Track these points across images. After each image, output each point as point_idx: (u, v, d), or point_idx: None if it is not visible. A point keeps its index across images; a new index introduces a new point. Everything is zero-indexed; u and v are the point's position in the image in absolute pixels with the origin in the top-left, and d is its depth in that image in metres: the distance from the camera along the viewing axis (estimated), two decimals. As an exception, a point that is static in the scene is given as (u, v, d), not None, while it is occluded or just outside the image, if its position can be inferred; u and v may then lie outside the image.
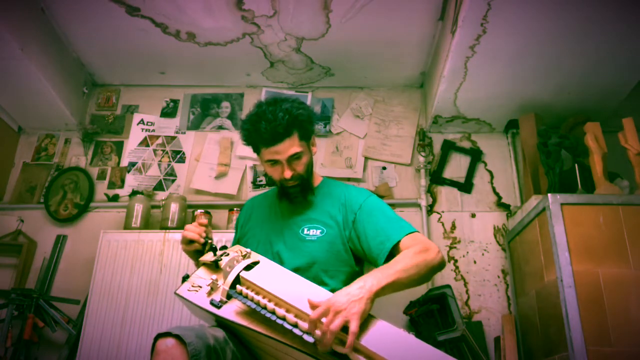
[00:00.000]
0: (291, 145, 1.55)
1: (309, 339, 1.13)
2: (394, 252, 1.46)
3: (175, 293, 1.44)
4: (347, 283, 1.55)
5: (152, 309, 2.17)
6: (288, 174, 1.58)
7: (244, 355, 1.35)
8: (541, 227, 2.00)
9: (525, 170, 2.42)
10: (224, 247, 1.56)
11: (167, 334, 1.20)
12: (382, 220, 1.54)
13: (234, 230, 1.88)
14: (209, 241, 1.56)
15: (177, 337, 1.19)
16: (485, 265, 2.42)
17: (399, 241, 1.46)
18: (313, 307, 1.16)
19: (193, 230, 1.56)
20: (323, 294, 1.28)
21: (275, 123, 1.51)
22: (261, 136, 1.54)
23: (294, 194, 1.65)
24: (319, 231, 1.59)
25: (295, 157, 1.58)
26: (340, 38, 2.39)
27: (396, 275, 1.27)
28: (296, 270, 1.49)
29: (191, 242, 1.57)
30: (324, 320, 1.12)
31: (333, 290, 1.54)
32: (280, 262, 1.55)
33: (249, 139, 1.62)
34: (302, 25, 2.33)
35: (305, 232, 1.60)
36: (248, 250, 1.51)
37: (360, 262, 1.64)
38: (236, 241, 1.80)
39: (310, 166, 1.66)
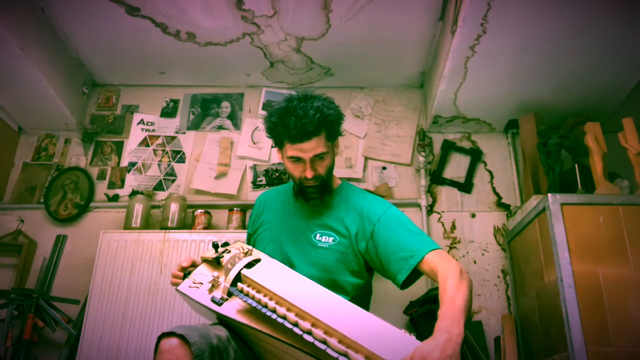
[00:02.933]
0: (317, 145, 1.50)
1: (309, 338, 1.13)
2: (416, 268, 1.43)
3: (176, 289, 1.44)
4: (356, 294, 1.54)
5: (152, 309, 2.17)
6: (310, 174, 1.53)
7: (246, 354, 1.35)
8: (541, 227, 2.00)
9: (525, 170, 2.42)
10: (225, 244, 1.56)
11: (170, 334, 1.20)
12: (403, 235, 1.49)
13: (247, 227, 1.85)
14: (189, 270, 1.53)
15: (181, 336, 1.19)
16: (485, 265, 2.42)
17: (421, 260, 1.42)
18: None
19: (179, 275, 1.52)
20: (327, 294, 1.28)
21: (306, 120, 1.46)
22: (289, 132, 1.48)
23: (311, 194, 1.60)
24: (331, 239, 1.56)
25: (319, 157, 1.53)
26: (340, 38, 2.39)
27: (463, 315, 1.21)
28: (307, 274, 1.47)
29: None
30: None
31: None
32: (290, 266, 1.53)
33: (274, 133, 1.56)
34: (302, 25, 2.33)
35: (318, 237, 1.57)
36: (249, 247, 1.51)
37: (371, 271, 1.61)
38: (249, 237, 1.78)
39: (331, 168, 1.62)
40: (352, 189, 1.71)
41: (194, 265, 1.53)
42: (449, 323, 1.16)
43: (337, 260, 1.53)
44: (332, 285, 1.50)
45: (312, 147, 1.50)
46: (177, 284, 1.48)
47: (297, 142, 1.49)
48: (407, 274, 1.43)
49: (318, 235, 1.57)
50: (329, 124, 1.52)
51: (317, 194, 1.60)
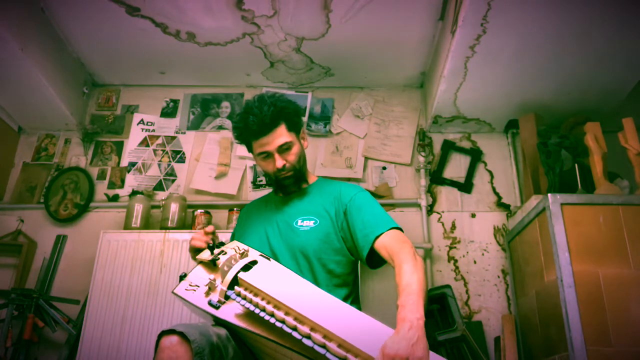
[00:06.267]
0: (279, 135, 1.63)
1: (308, 342, 1.12)
2: (374, 244, 1.51)
3: (173, 292, 1.43)
4: (344, 272, 1.59)
5: (152, 309, 2.17)
6: (280, 163, 1.64)
7: (245, 353, 1.35)
8: (541, 227, 2.00)
9: (525, 170, 2.42)
10: (221, 244, 1.55)
11: (171, 331, 1.21)
12: (369, 214, 1.59)
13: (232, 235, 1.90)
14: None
15: (181, 334, 1.20)
16: (485, 265, 2.42)
17: (379, 235, 1.50)
18: None
19: (200, 239, 1.59)
20: (325, 297, 1.28)
21: (262, 115, 1.60)
22: (250, 129, 1.63)
23: (289, 185, 1.71)
24: (312, 222, 1.63)
25: (285, 147, 1.65)
26: (340, 38, 2.39)
27: (421, 298, 1.25)
28: (292, 259, 1.53)
29: (198, 250, 1.58)
30: None
31: (330, 285, 1.54)
32: (274, 253, 1.59)
33: (240, 136, 1.70)
34: (302, 25, 2.33)
35: (300, 223, 1.64)
36: (245, 247, 1.50)
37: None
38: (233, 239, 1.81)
39: (302, 157, 1.72)
40: (329, 181, 1.82)
41: (214, 234, 1.61)
42: (408, 310, 1.21)
43: (320, 240, 1.60)
44: (319, 267, 1.56)
45: (273, 138, 1.63)
46: (196, 246, 1.57)
47: (259, 137, 1.63)
48: (368, 248, 1.51)
49: (299, 221, 1.65)
50: (285, 115, 1.66)
51: (294, 185, 1.72)
